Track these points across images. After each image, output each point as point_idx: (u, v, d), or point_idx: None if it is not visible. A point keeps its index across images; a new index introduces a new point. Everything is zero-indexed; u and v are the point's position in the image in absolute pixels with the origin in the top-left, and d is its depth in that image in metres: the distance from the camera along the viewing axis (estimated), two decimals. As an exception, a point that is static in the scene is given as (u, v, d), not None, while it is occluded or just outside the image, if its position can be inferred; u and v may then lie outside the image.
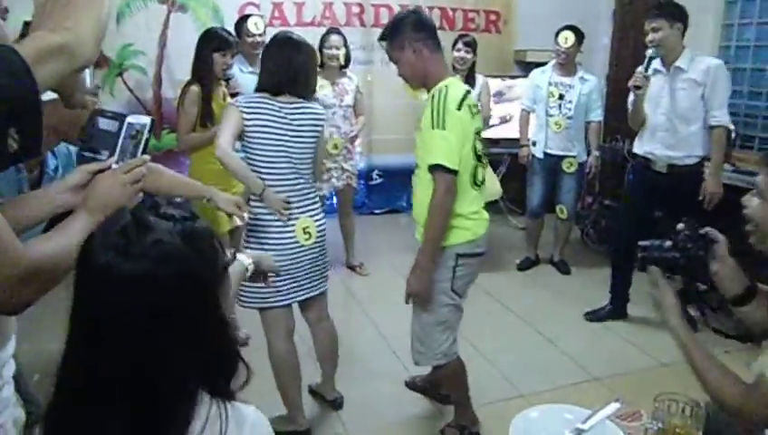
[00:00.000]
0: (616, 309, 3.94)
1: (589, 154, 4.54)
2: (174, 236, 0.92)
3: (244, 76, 3.76)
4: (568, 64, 4.44)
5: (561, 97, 4.45)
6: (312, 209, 2.59)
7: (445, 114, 2.29)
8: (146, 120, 1.34)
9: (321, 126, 2.61)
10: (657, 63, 3.55)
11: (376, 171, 5.76)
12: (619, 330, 3.81)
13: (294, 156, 2.52)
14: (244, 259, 1.56)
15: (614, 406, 1.46)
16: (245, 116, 2.45)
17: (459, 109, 2.31)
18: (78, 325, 0.92)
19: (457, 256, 2.41)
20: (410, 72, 2.44)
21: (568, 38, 4.36)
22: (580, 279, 4.62)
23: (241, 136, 2.49)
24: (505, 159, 5.58)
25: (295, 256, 2.55)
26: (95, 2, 0.95)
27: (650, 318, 3.72)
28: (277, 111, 2.47)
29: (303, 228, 2.56)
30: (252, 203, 2.55)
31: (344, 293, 4.27)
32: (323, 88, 4.11)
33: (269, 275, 1.70)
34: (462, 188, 2.37)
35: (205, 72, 3.25)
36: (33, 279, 1.02)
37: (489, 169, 4.32)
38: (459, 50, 4.34)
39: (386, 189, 5.77)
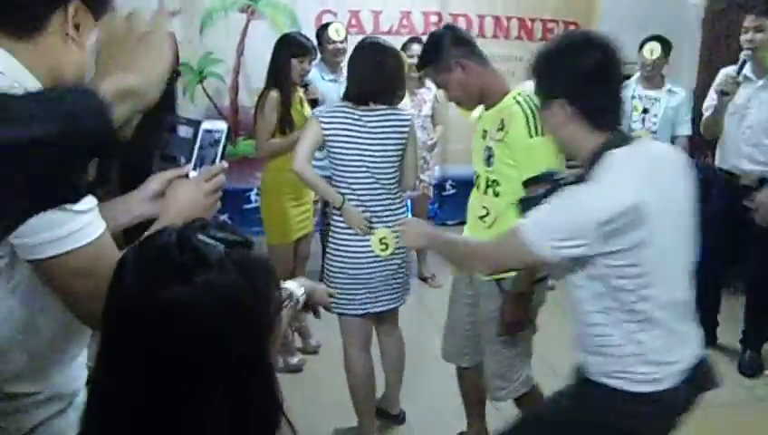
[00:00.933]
0: (705, 335, 3.68)
1: None
2: (226, 263, 0.80)
3: (325, 84, 3.75)
4: (654, 77, 4.25)
5: (645, 111, 4.25)
6: (394, 220, 2.52)
7: (537, 120, 2.05)
8: (223, 125, 1.27)
9: (407, 131, 2.53)
10: (747, 70, 3.28)
11: (450, 182, 5.66)
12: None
13: (375, 166, 2.47)
14: (296, 289, 1.40)
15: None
16: (324, 127, 2.42)
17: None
18: (106, 356, 0.82)
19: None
20: (463, 92, 2.24)
21: (654, 50, 4.17)
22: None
23: (322, 147, 2.45)
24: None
25: (371, 266, 2.51)
26: (163, 47, 0.97)
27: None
28: (357, 121, 2.43)
29: (380, 239, 2.50)
30: (330, 211, 2.53)
31: (416, 304, 4.19)
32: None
33: (317, 310, 1.54)
34: None
35: (282, 78, 3.22)
36: None
37: None
38: None
39: (459, 200, 5.63)
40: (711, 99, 3.36)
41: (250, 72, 4.98)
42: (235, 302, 0.79)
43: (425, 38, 4.47)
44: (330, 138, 2.43)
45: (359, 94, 2.46)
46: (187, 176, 1.23)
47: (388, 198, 2.53)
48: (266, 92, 3.23)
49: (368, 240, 2.48)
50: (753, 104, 3.28)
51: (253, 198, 5.05)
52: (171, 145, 1.26)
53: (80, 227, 0.94)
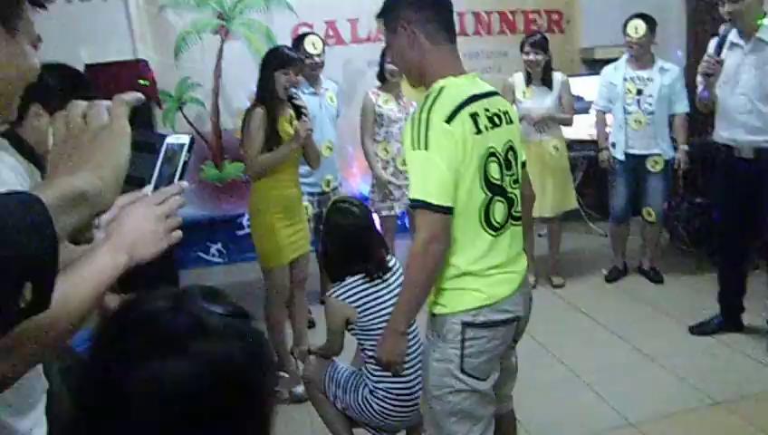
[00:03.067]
0: (729, 320, 3.52)
1: (676, 150, 4.20)
2: (226, 332, 0.75)
3: (306, 98, 3.58)
4: (643, 56, 4.12)
5: (639, 92, 4.13)
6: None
7: (428, 129, 1.68)
8: (185, 138, 1.09)
9: None
10: (733, 35, 3.15)
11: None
12: (736, 343, 3.41)
13: None
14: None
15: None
16: (354, 306, 2.36)
17: (450, 120, 1.69)
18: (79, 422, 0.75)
19: (464, 327, 1.79)
20: (401, 61, 1.89)
21: (638, 27, 4.05)
22: (676, 288, 4.25)
23: (349, 322, 2.39)
24: (581, 163, 5.27)
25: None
26: (118, 147, 0.86)
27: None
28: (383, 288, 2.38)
29: None
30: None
31: (418, 316, 4.04)
32: (388, 103, 3.95)
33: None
34: (467, 234, 1.77)
35: (267, 93, 3.07)
36: (14, 346, 0.80)
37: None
38: (528, 53, 4.10)
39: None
40: (700, 83, 3.23)
41: (230, 94, 4.85)
42: (235, 376, 0.74)
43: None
44: (363, 316, 2.37)
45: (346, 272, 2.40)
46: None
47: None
48: (252, 109, 3.08)
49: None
50: (744, 69, 3.14)
51: (245, 223, 4.91)
52: (136, 165, 1.03)
53: None
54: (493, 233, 1.80)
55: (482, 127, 1.75)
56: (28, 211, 0.66)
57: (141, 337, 0.73)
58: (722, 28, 3.14)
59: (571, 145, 5.08)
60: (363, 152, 4.05)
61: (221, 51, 4.87)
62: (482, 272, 1.80)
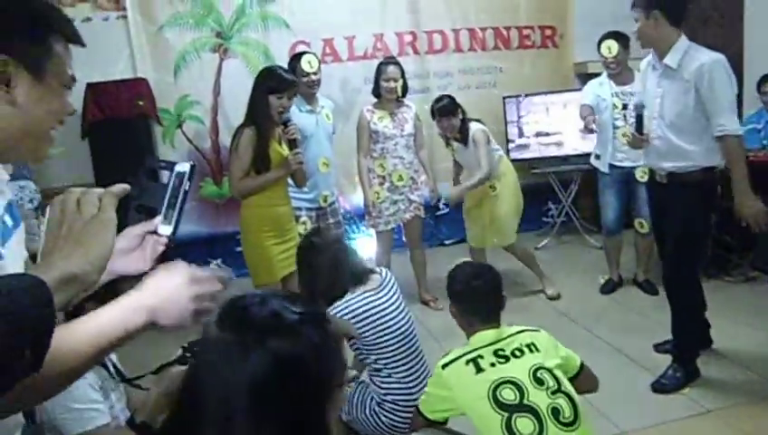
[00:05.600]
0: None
1: None
2: (302, 330, 0.90)
3: (303, 116, 3.66)
4: (621, 73, 4.20)
5: (624, 107, 4.19)
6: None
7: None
8: (187, 166, 1.13)
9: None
10: (650, 57, 3.08)
11: (442, 201, 5.58)
12: (728, 353, 3.45)
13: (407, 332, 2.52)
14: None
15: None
16: (354, 322, 2.41)
17: (445, 368, 2.02)
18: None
19: None
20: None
21: (611, 47, 4.12)
22: (671, 298, 4.30)
23: (350, 338, 2.43)
24: (576, 177, 5.34)
25: None
26: (105, 235, 0.97)
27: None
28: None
29: None
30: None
31: (419, 329, 4.06)
32: (383, 120, 4.02)
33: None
34: None
35: (260, 115, 3.06)
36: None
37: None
38: (439, 120, 4.16)
39: (453, 218, 5.58)
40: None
41: (228, 112, 4.92)
42: (303, 366, 0.88)
43: (400, 59, 4.47)
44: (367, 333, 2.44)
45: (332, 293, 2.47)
46: (156, 230, 1.12)
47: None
48: (242, 129, 3.09)
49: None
50: (656, 93, 3.03)
51: (243, 238, 4.96)
52: (147, 194, 1.14)
53: None
54: None
55: (498, 362, 1.98)
56: (39, 291, 0.77)
57: (232, 322, 0.91)
58: (635, 100, 3.18)
59: (567, 158, 5.16)
60: (357, 169, 4.12)
61: (219, 69, 4.96)
62: None
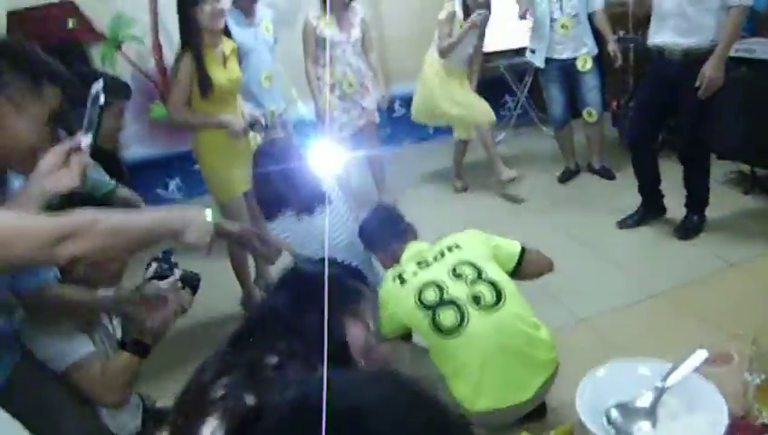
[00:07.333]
0: (651, 209, 3.74)
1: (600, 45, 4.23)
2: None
3: (243, 32, 3.44)
4: None
5: None
6: None
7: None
8: (99, 84, 1.33)
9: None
10: None
11: (398, 102, 5.51)
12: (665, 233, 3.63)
13: None
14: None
15: (700, 355, 1.23)
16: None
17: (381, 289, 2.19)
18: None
19: None
20: None
21: None
22: (627, 183, 4.37)
23: None
24: (530, 69, 5.27)
25: None
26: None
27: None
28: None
29: None
30: None
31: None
32: (329, 25, 3.88)
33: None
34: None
35: (192, 33, 2.85)
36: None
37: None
38: None
39: (410, 119, 5.54)
40: None
41: (171, 28, 4.66)
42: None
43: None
44: None
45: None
46: (79, 145, 1.30)
47: None
48: (180, 56, 2.92)
49: None
50: None
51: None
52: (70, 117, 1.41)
53: None
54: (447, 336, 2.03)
55: (416, 270, 2.15)
56: None
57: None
58: None
59: (519, 51, 5.08)
60: (306, 77, 4.01)
61: (154, -19, 4.66)
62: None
